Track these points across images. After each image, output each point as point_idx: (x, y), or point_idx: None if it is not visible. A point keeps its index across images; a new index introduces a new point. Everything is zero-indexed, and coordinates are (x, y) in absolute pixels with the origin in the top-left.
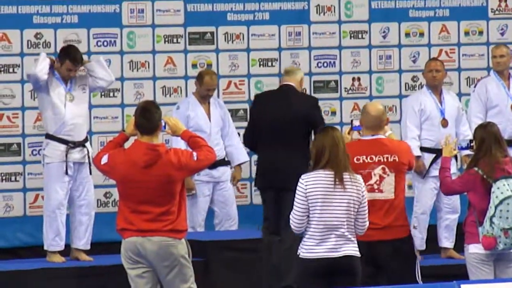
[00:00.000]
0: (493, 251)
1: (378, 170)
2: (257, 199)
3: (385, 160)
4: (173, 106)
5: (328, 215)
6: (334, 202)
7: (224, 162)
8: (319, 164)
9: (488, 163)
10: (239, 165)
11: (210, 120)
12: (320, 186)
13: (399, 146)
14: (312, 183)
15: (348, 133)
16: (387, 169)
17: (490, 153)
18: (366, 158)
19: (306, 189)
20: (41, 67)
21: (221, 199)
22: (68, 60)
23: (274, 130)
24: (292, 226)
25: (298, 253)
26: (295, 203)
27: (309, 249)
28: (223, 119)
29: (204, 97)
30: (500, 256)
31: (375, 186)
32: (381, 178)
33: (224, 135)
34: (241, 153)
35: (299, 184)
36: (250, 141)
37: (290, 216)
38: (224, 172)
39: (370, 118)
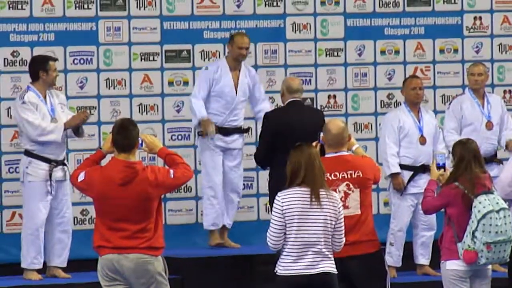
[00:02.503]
0: (473, 266)
1: (342, 187)
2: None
3: (349, 176)
4: (150, 124)
5: (305, 232)
6: (311, 219)
7: (239, 131)
8: (295, 181)
9: (469, 179)
10: None
11: (236, 90)
12: (297, 203)
13: (363, 161)
14: (289, 201)
15: (315, 147)
16: (351, 185)
17: (470, 170)
18: (330, 176)
19: (282, 206)
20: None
21: (230, 164)
22: (51, 61)
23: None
24: (269, 244)
25: (275, 271)
26: (272, 220)
27: (286, 267)
28: (252, 87)
29: (236, 59)
30: (477, 273)
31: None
32: (346, 194)
33: (256, 100)
34: None
35: (275, 201)
36: (265, 158)
37: (267, 234)
38: (237, 140)
39: (332, 136)
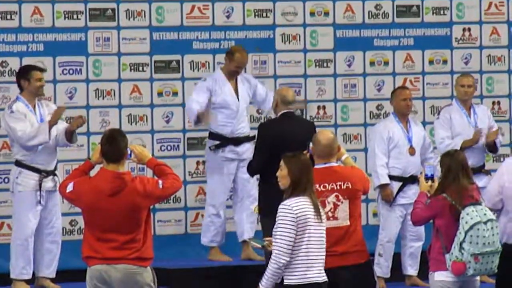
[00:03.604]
0: (461, 277)
1: (331, 198)
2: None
3: (338, 187)
4: (139, 134)
5: (317, 239)
6: (319, 226)
7: (248, 139)
8: (298, 190)
9: (456, 190)
10: None
11: (238, 98)
12: (308, 211)
13: (352, 172)
14: (301, 208)
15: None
16: (340, 196)
17: (458, 181)
18: (319, 187)
19: (296, 214)
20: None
21: (244, 176)
22: (33, 70)
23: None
24: (280, 258)
25: (286, 283)
26: (281, 232)
27: (300, 276)
28: (254, 90)
29: (232, 74)
30: (465, 284)
31: (330, 214)
32: (335, 205)
33: (262, 99)
34: None
35: (285, 211)
36: (260, 170)
37: (277, 247)
38: (248, 149)
39: (321, 147)
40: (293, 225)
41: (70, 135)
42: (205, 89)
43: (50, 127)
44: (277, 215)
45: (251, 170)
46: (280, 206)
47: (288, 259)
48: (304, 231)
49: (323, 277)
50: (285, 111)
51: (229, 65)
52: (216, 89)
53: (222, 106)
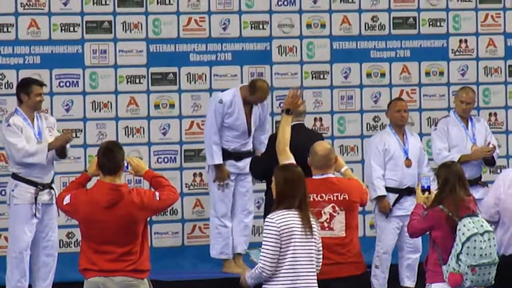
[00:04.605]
0: None
1: (328, 209)
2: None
3: (335, 198)
4: (136, 147)
5: (302, 253)
6: (306, 240)
7: (249, 154)
8: (285, 203)
9: (453, 202)
10: None
11: (249, 123)
12: (293, 225)
13: (350, 184)
14: (285, 222)
15: None
16: (337, 207)
17: (455, 192)
18: (316, 197)
19: (279, 228)
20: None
21: (242, 190)
22: (34, 85)
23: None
24: (264, 269)
25: None
26: (265, 244)
27: None
28: (261, 117)
29: (249, 103)
30: None
31: (325, 224)
32: (331, 216)
33: (258, 126)
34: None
35: (269, 224)
36: (262, 171)
37: (261, 260)
38: (248, 164)
39: (318, 158)
40: (276, 239)
41: (60, 152)
42: (220, 115)
43: (50, 149)
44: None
45: (252, 167)
46: (266, 219)
47: (271, 271)
48: (288, 245)
49: None
50: (295, 123)
51: (249, 96)
52: (230, 112)
53: (231, 127)
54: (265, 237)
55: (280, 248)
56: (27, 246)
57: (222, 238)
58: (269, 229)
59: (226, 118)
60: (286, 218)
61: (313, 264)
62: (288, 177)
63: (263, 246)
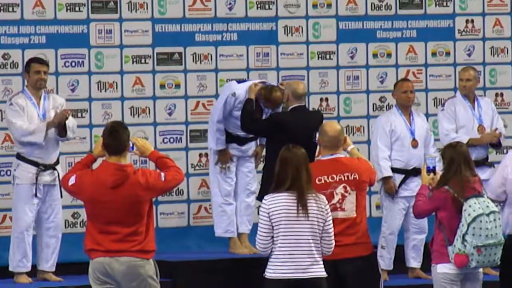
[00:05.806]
0: (464, 269)
1: (340, 189)
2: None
3: (346, 178)
4: (141, 127)
5: (293, 236)
6: (298, 224)
7: (253, 139)
8: (282, 185)
9: (459, 182)
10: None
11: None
12: (283, 209)
13: (359, 164)
14: (275, 205)
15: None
16: (348, 188)
17: (460, 173)
18: (328, 178)
19: (269, 210)
20: (41, 135)
21: (245, 170)
22: (33, 63)
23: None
24: (258, 247)
25: (264, 274)
26: (259, 223)
27: (275, 270)
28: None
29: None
30: (468, 276)
31: (338, 205)
32: (343, 196)
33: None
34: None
35: (262, 205)
36: (255, 129)
37: (256, 237)
38: (251, 147)
39: (328, 138)
40: (266, 219)
41: (60, 130)
42: (230, 106)
43: (48, 128)
44: None
45: (246, 124)
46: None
47: (265, 249)
48: (279, 227)
49: (308, 274)
50: (296, 105)
51: (262, 100)
52: (240, 106)
53: (239, 119)
54: (259, 216)
55: (272, 229)
56: (28, 226)
57: (227, 216)
58: (261, 210)
59: (235, 110)
60: (278, 201)
61: (310, 247)
62: (288, 157)
63: (258, 225)
